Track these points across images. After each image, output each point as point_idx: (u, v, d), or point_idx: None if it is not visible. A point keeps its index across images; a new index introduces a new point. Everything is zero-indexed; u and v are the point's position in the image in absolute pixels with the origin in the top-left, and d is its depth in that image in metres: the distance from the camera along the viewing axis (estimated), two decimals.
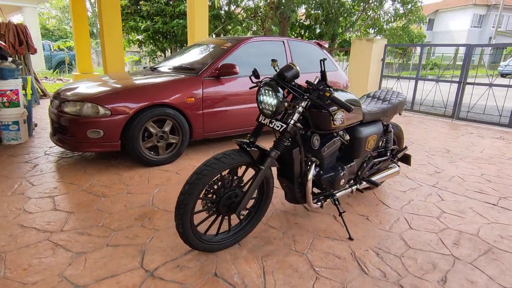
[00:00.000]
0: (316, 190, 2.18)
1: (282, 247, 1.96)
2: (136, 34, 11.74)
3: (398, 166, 2.65)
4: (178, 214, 1.62)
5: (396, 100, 2.42)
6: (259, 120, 1.88)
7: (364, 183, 2.36)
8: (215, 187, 1.77)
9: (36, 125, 4.44)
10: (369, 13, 12.73)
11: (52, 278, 1.61)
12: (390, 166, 2.58)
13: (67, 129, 2.93)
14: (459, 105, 6.23)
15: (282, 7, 8.02)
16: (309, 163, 2.01)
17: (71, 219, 2.17)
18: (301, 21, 11.41)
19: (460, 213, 2.49)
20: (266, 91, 1.74)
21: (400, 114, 2.55)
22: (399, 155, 2.56)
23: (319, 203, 2.13)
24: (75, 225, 2.10)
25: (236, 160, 1.71)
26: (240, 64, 3.53)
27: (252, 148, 1.75)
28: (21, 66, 3.77)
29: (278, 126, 1.78)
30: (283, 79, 1.76)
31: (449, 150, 4.23)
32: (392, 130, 2.44)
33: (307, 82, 1.79)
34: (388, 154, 2.52)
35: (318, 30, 11.71)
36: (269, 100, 1.74)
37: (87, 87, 3.17)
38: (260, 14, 11.41)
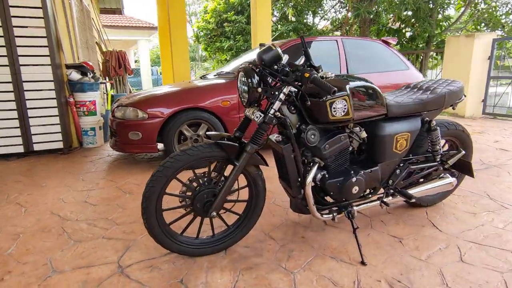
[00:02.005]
0: (331, 200, 1.81)
1: (271, 262, 1.66)
2: (222, 54, 12.71)
3: (455, 177, 2.01)
4: (142, 208, 1.53)
5: (443, 89, 1.85)
6: (245, 112, 1.67)
7: (403, 195, 1.85)
8: (195, 184, 1.63)
9: None
10: (478, 7, 10.73)
11: (41, 260, 1.72)
12: (441, 175, 1.97)
13: (116, 132, 3.24)
14: None
15: (358, 10, 7.43)
16: (311, 164, 1.68)
17: (90, 211, 2.33)
18: (389, 25, 10.40)
19: None
20: (242, 77, 1.53)
21: (453, 108, 1.94)
22: (450, 162, 1.93)
23: (330, 215, 1.75)
24: (90, 216, 2.24)
25: (205, 153, 1.54)
26: None
27: (228, 142, 1.55)
28: (100, 81, 4.41)
29: (257, 117, 1.54)
30: (262, 63, 1.52)
31: None
32: (438, 128, 1.86)
33: (289, 63, 1.51)
34: (438, 160, 1.93)
35: (409, 33, 10.45)
36: (243, 87, 1.52)
37: (138, 94, 3.47)
38: (343, 23, 10.93)
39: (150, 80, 15.78)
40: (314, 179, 1.72)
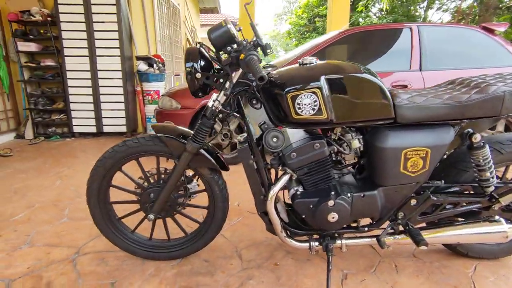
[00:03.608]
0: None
1: (216, 287, 1.37)
2: None
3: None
4: (86, 198, 1.46)
5: (501, 87, 1.19)
6: None
7: (411, 236, 1.30)
8: (151, 180, 1.49)
9: None
10: None
11: (27, 231, 1.84)
12: (493, 218, 1.30)
13: (156, 121, 3.36)
14: None
15: None
16: (283, 174, 1.32)
17: None
18: None
19: None
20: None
21: None
22: (504, 200, 1.23)
23: (307, 244, 1.36)
24: None
25: (145, 146, 1.37)
26: (339, 58, 3.00)
27: (171, 137, 1.35)
28: (165, 73, 4.68)
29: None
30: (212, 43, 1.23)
31: None
32: (487, 145, 1.22)
33: (237, 43, 1.17)
34: (487, 193, 1.28)
35: None
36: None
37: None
38: (457, 13, 9.07)
39: None
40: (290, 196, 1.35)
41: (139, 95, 4.45)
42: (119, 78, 4.10)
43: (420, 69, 3.02)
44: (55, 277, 1.44)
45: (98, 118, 4.19)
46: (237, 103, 1.29)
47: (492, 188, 1.27)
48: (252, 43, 1.12)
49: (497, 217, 1.29)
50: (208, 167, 1.40)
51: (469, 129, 1.24)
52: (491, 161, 1.24)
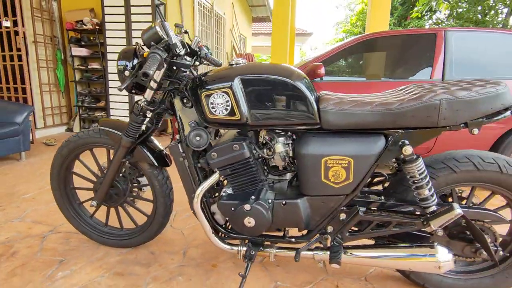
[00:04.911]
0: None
1: (141, 277, 1.42)
2: None
3: (454, 251, 1.10)
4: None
5: (440, 95, 1.03)
6: None
7: (331, 253, 1.20)
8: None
9: None
10: None
11: (26, 208, 2.11)
12: (432, 244, 1.12)
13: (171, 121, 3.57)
14: None
15: None
16: (213, 173, 1.33)
17: None
18: None
19: None
20: None
21: (471, 131, 1.04)
22: (434, 223, 1.04)
23: (235, 248, 1.34)
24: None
25: (92, 138, 1.48)
26: (349, 67, 2.97)
27: (112, 130, 1.44)
28: None
29: None
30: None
31: None
32: (420, 158, 1.06)
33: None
34: (425, 213, 1.11)
35: None
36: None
37: None
38: None
39: None
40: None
41: None
42: None
43: (443, 79, 2.71)
44: (22, 248, 1.63)
45: None
46: (171, 101, 1.33)
47: (433, 209, 1.10)
48: (164, 43, 1.16)
49: (436, 243, 1.11)
50: (147, 162, 1.46)
51: (404, 140, 1.10)
52: (428, 177, 1.08)
